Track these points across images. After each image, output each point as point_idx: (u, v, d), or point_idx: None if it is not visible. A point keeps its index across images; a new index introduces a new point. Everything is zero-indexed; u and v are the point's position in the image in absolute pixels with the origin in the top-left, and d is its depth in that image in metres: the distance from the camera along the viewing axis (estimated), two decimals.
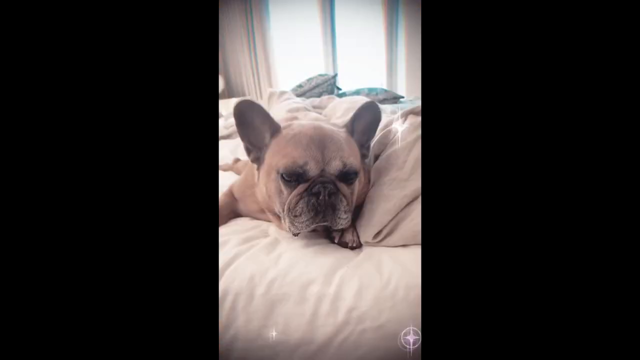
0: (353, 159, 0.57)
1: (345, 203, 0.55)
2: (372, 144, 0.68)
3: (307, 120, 0.85)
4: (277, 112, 1.30)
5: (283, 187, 0.56)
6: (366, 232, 0.58)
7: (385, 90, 2.00)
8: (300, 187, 0.55)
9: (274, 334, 0.47)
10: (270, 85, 2.90)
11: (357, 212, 0.63)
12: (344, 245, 0.59)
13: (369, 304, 0.47)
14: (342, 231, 0.61)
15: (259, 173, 0.63)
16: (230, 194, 0.77)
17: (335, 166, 0.55)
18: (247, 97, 0.62)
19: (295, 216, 0.54)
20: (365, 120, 0.64)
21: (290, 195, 0.55)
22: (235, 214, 0.76)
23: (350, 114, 0.64)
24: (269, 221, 0.69)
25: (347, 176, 0.56)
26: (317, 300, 0.48)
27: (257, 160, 0.63)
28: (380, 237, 0.57)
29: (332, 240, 0.61)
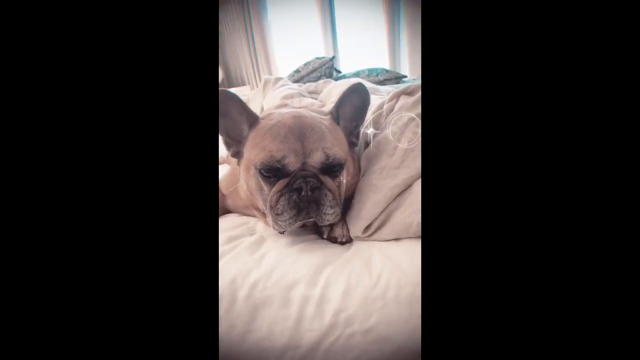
0: (337, 149, 0.52)
1: (330, 197, 0.50)
2: (361, 130, 0.63)
3: (298, 107, 0.81)
4: (271, 99, 1.26)
5: (263, 183, 0.52)
6: (355, 226, 0.54)
7: (387, 71, 1.91)
8: (280, 183, 0.51)
9: None
10: (270, 73, 2.84)
11: (347, 204, 0.59)
12: (333, 240, 0.56)
13: (357, 305, 0.43)
14: (332, 225, 0.57)
15: (239, 168, 0.59)
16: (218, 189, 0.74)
17: (317, 158, 0.51)
18: (223, 88, 0.57)
19: (277, 214, 0.50)
20: (352, 105, 0.58)
21: (270, 192, 0.51)
22: (224, 211, 0.73)
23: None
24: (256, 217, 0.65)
25: (331, 168, 0.52)
26: (301, 303, 0.45)
27: (237, 154, 0.59)
28: (371, 231, 0.53)
29: (321, 236, 0.57)
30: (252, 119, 0.57)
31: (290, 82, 1.54)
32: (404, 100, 0.60)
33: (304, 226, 0.59)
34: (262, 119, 0.57)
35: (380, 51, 2.67)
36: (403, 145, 0.54)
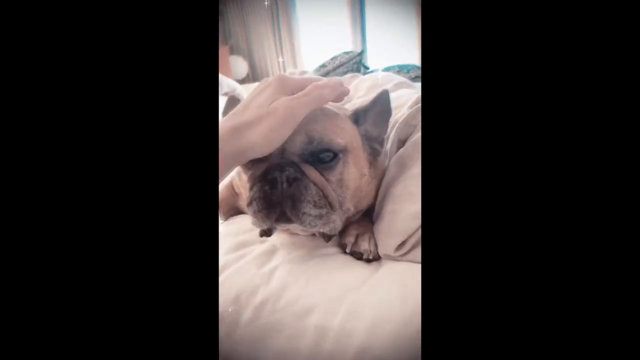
0: (332, 136, 0.42)
1: (314, 193, 0.40)
2: (386, 138, 0.54)
3: None
4: None
5: (244, 173, 0.45)
6: (386, 242, 0.45)
7: (418, 67, 1.80)
8: (254, 171, 0.42)
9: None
10: (296, 67, 2.77)
11: (365, 213, 0.50)
12: (357, 256, 0.47)
13: (386, 346, 0.34)
14: (356, 237, 0.48)
15: None
16: (231, 187, 0.66)
17: (298, 142, 0.41)
18: (233, 95, 0.52)
19: (248, 205, 0.42)
20: (375, 110, 0.50)
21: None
22: (237, 211, 0.66)
23: (375, 92, 0.51)
24: None
25: (317, 156, 0.42)
26: (318, 335, 0.36)
27: None
28: (405, 250, 0.43)
29: (343, 250, 0.49)
30: None
31: (314, 76, 1.47)
32: None
33: (313, 235, 0.50)
34: None
35: (410, 48, 2.54)
36: None
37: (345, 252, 0.48)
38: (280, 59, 2.78)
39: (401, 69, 1.72)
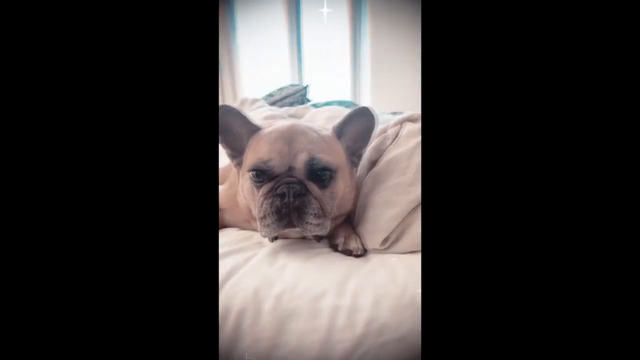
0: (326, 155, 0.52)
1: (316, 206, 0.50)
2: (364, 152, 0.66)
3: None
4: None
5: (254, 188, 0.53)
6: (373, 239, 0.56)
7: (354, 104, 2.02)
8: (266, 187, 0.51)
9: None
10: (235, 96, 2.82)
11: (346, 219, 0.61)
12: (347, 253, 0.57)
13: (388, 315, 0.44)
14: (345, 238, 0.58)
15: (239, 177, 0.59)
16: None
17: (301, 159, 0.51)
18: (223, 104, 0.58)
19: (261, 218, 0.50)
20: (359, 127, 0.60)
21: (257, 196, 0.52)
22: (222, 225, 0.70)
23: (334, 123, 0.61)
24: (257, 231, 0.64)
25: (317, 174, 0.52)
26: (332, 313, 0.44)
27: (240, 165, 0.59)
28: (388, 244, 0.55)
29: (335, 249, 0.58)
30: (254, 129, 0.58)
31: (266, 104, 1.56)
32: (409, 127, 0.65)
33: (303, 238, 0.59)
34: (263, 128, 0.59)
35: (344, 85, 2.83)
36: (413, 165, 0.59)
37: (336, 251, 0.58)
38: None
39: (341, 104, 1.92)
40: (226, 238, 0.63)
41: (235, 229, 0.69)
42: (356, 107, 0.61)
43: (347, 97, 2.58)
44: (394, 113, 1.63)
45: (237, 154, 0.60)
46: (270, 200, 0.50)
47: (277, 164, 0.51)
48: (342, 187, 0.57)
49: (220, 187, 0.73)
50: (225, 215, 0.70)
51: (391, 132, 0.68)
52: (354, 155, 0.63)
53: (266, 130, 0.57)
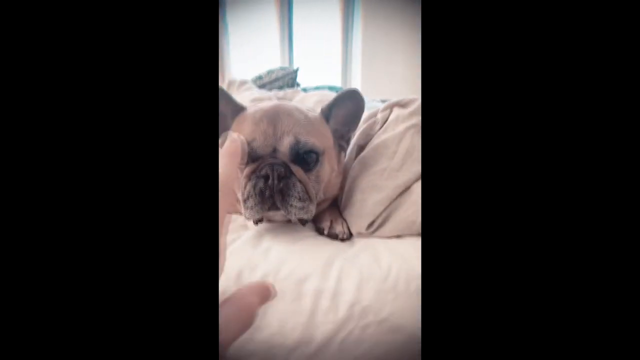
0: (314, 140, 0.52)
1: (300, 189, 0.49)
2: (352, 136, 0.66)
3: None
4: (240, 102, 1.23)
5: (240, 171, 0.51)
6: (358, 223, 0.56)
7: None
8: (249, 168, 0.50)
9: None
10: (222, 78, 2.76)
11: (343, 204, 0.60)
12: (333, 237, 0.56)
13: (371, 297, 0.44)
14: (331, 222, 0.58)
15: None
16: None
17: (287, 142, 0.50)
18: None
19: (244, 200, 0.49)
20: (347, 109, 0.60)
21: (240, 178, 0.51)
22: None
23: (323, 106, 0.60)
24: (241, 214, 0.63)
25: (303, 157, 0.51)
26: (315, 296, 0.44)
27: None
28: (374, 228, 0.55)
29: (320, 232, 0.58)
30: (238, 109, 0.57)
31: (255, 87, 1.53)
32: (398, 111, 0.64)
33: (288, 222, 0.59)
34: (248, 107, 0.57)
35: (334, 70, 2.80)
36: (402, 150, 0.58)
37: (322, 234, 0.57)
38: None
39: (331, 90, 1.89)
40: None
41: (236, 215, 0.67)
42: (345, 90, 0.60)
43: (337, 83, 2.55)
44: (384, 100, 1.63)
45: (221, 134, 0.59)
46: (253, 182, 0.48)
47: (260, 145, 0.50)
48: (328, 171, 0.56)
49: None
50: None
51: (380, 116, 0.67)
52: (342, 139, 0.62)
53: (250, 110, 0.55)
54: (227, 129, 0.57)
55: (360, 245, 0.53)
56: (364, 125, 0.67)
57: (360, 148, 0.66)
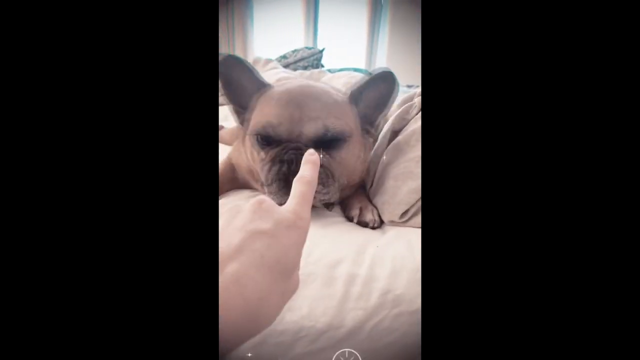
0: (341, 125, 0.50)
1: (323, 174, 0.48)
2: (379, 121, 0.62)
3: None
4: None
5: (261, 151, 0.51)
6: (392, 211, 0.54)
7: (370, 74, 1.95)
8: (272, 152, 0.49)
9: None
10: (246, 56, 2.73)
11: (361, 190, 0.59)
12: (364, 224, 0.55)
13: (405, 287, 0.43)
14: (360, 210, 0.57)
15: (244, 137, 0.57)
16: (229, 162, 0.69)
17: (313, 129, 0.48)
18: (230, 54, 0.54)
19: (268, 185, 0.49)
20: (379, 92, 0.56)
21: (263, 161, 0.50)
22: (235, 185, 0.69)
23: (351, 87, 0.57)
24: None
25: (328, 142, 0.49)
26: (347, 281, 0.43)
27: (244, 123, 0.56)
28: (408, 217, 0.53)
29: (350, 220, 0.56)
30: (262, 86, 0.55)
31: (280, 66, 1.50)
32: None
33: (313, 207, 0.57)
34: (274, 86, 0.55)
35: (359, 53, 2.72)
36: None
37: (351, 222, 0.56)
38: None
39: (357, 71, 1.84)
40: (237, 198, 0.62)
41: (249, 190, 0.67)
42: (378, 71, 0.57)
43: (362, 66, 2.48)
44: (410, 86, 1.57)
45: (242, 111, 0.57)
46: (277, 167, 0.47)
47: (286, 130, 0.48)
48: (353, 156, 0.54)
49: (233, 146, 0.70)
50: (238, 174, 0.68)
51: (417, 100, 0.64)
52: (370, 124, 0.59)
53: (276, 89, 0.53)
54: (246, 104, 0.56)
55: (392, 233, 0.52)
56: (400, 110, 0.64)
57: (395, 133, 0.64)
